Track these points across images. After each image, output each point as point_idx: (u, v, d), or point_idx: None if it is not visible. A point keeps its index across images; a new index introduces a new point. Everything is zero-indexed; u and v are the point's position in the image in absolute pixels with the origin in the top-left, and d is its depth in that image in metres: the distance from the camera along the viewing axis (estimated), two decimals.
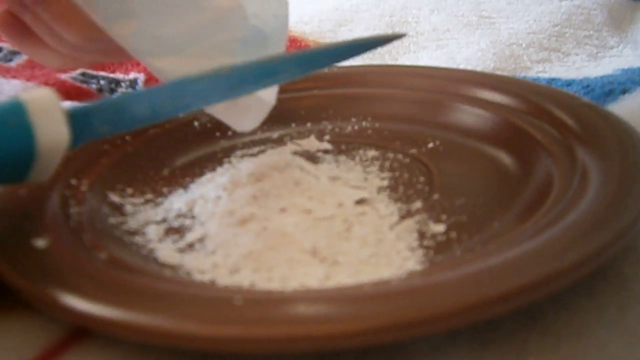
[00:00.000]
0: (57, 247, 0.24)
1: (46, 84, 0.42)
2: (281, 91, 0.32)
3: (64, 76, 0.44)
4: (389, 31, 0.49)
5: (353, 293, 0.22)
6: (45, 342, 0.24)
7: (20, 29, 0.35)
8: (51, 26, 0.33)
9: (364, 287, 0.22)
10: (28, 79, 0.43)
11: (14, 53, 0.47)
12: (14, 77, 0.43)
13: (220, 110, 0.30)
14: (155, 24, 0.28)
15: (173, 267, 0.25)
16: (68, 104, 0.24)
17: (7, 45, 0.47)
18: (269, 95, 0.30)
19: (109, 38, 0.30)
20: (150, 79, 0.43)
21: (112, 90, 0.43)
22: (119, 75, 0.43)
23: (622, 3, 0.50)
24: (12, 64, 0.47)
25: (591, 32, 0.47)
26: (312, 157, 0.32)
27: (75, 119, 0.24)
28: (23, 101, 0.23)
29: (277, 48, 0.31)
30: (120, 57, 0.35)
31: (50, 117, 0.23)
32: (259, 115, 0.31)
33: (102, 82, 0.44)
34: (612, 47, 0.45)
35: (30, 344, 0.23)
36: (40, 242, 0.25)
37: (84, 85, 0.43)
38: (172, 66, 0.28)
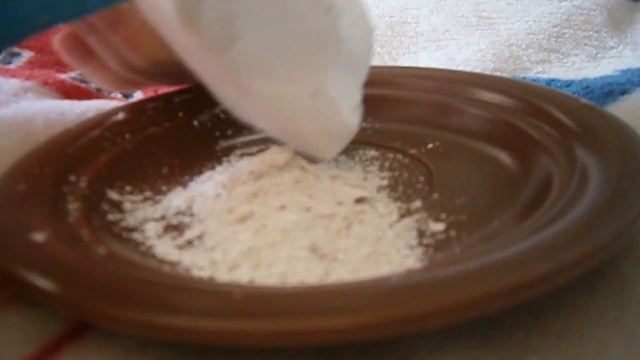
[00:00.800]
0: (55, 241, 0.24)
1: (45, 83, 0.42)
2: None
3: (63, 75, 0.44)
4: (388, 32, 0.49)
5: (353, 288, 0.22)
6: (44, 339, 0.23)
7: (82, 52, 0.34)
8: (118, 49, 0.32)
9: (363, 283, 0.22)
10: (27, 78, 0.42)
11: (13, 55, 0.48)
12: (13, 76, 0.43)
13: (302, 138, 0.29)
14: (254, 47, 0.27)
15: (172, 264, 0.25)
16: None
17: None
18: (353, 120, 0.30)
19: (175, 62, 0.30)
20: None
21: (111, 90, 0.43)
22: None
23: (622, 4, 0.50)
24: (12, 66, 0.47)
25: (591, 33, 0.47)
26: (311, 157, 0.32)
27: None
28: None
29: (364, 70, 0.31)
30: (182, 81, 0.35)
31: None
32: (343, 141, 0.30)
33: None
34: (611, 48, 0.45)
35: (29, 341, 0.23)
36: (39, 237, 0.25)
37: (83, 85, 0.43)
38: (267, 87, 0.28)
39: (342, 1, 0.28)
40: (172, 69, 0.32)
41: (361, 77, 0.31)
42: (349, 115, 0.30)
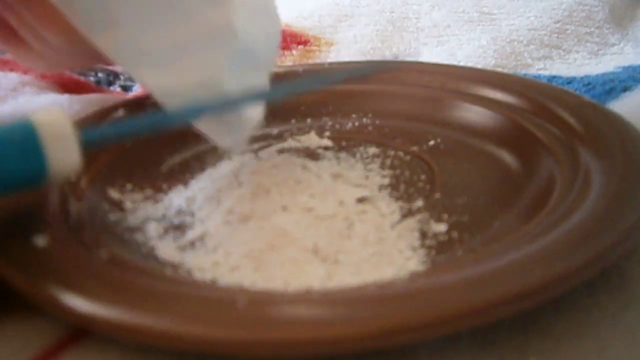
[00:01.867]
0: (56, 244, 0.24)
1: (43, 77, 0.42)
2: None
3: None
4: (389, 27, 0.49)
5: (357, 295, 0.22)
6: (43, 343, 0.23)
7: (4, 30, 0.34)
8: (35, 28, 0.32)
9: (367, 289, 0.22)
10: (25, 72, 0.42)
11: None
12: (11, 70, 0.43)
13: (206, 126, 0.29)
14: (141, 36, 0.27)
15: (174, 266, 0.25)
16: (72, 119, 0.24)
17: None
18: (252, 114, 0.29)
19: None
20: None
21: (110, 83, 0.43)
22: (117, 68, 0.43)
23: (623, 0, 0.50)
24: (9, 55, 0.46)
25: (592, 29, 0.46)
26: (312, 154, 0.32)
27: (85, 144, 0.24)
28: (35, 126, 0.23)
29: (267, 66, 0.30)
30: (105, 62, 0.35)
31: (63, 144, 0.23)
32: (243, 134, 0.30)
33: (100, 75, 0.43)
34: (613, 45, 0.45)
35: (27, 345, 0.23)
36: (40, 240, 0.24)
37: (82, 78, 0.43)
38: (157, 79, 0.27)
39: None
40: (93, 50, 0.31)
41: (264, 70, 0.29)
42: (247, 109, 0.28)
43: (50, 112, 0.23)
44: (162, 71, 0.27)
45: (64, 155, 0.23)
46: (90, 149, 0.24)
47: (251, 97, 0.28)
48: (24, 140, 0.23)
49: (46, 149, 0.23)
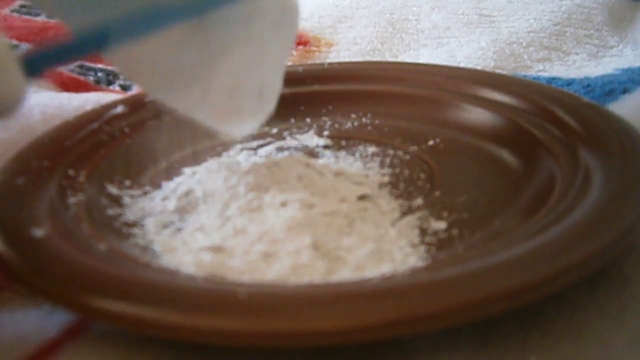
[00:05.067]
0: (55, 236, 0.24)
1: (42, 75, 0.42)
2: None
3: (61, 68, 0.44)
4: (389, 29, 0.49)
5: (357, 288, 0.22)
6: (43, 337, 0.23)
7: None
8: None
9: (368, 282, 0.22)
10: None
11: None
12: None
13: (216, 118, 0.28)
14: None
15: (171, 260, 0.24)
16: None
17: None
18: (269, 102, 0.29)
19: None
20: None
21: (110, 82, 0.43)
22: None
23: (623, 2, 0.50)
24: None
25: (592, 32, 0.47)
26: (311, 153, 0.31)
27: (30, 68, 0.22)
28: None
29: (281, 48, 0.28)
30: None
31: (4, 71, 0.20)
32: (253, 122, 0.29)
33: (99, 74, 0.43)
34: (612, 47, 0.45)
35: (27, 339, 0.23)
36: (39, 232, 0.24)
37: (81, 77, 0.43)
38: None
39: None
40: None
41: (274, 57, 0.28)
42: (254, 101, 0.28)
43: None
44: (161, 88, 0.27)
45: (6, 81, 0.21)
46: (38, 73, 0.22)
47: None
48: None
49: None
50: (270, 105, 0.29)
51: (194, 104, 0.27)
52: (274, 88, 0.29)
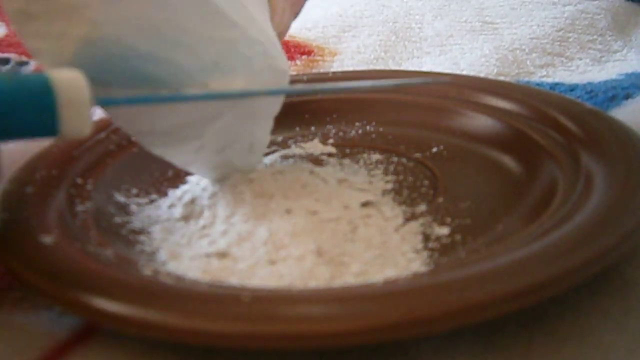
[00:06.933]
0: (63, 243, 0.25)
1: None
2: (286, 95, 0.33)
3: None
4: (392, 37, 0.49)
5: (360, 291, 0.22)
6: (50, 342, 0.23)
7: None
8: None
9: (371, 286, 0.22)
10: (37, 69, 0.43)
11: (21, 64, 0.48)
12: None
13: (208, 171, 0.29)
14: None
15: (178, 266, 0.25)
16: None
17: None
18: (251, 159, 0.29)
19: None
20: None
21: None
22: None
23: (626, 8, 0.50)
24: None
25: (595, 37, 0.47)
26: (316, 161, 0.32)
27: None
28: (51, 84, 0.22)
29: (267, 110, 0.29)
30: None
31: (77, 105, 0.23)
32: (260, 153, 0.30)
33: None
34: (615, 52, 0.46)
35: (35, 344, 0.23)
36: (48, 239, 0.25)
37: None
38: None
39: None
40: None
41: (265, 114, 0.29)
42: (245, 154, 0.29)
43: (70, 73, 0.23)
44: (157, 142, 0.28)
45: (77, 115, 0.23)
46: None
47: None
48: (39, 95, 0.22)
49: (60, 108, 0.22)
50: (259, 156, 0.30)
51: (188, 159, 0.28)
52: (264, 142, 0.30)
